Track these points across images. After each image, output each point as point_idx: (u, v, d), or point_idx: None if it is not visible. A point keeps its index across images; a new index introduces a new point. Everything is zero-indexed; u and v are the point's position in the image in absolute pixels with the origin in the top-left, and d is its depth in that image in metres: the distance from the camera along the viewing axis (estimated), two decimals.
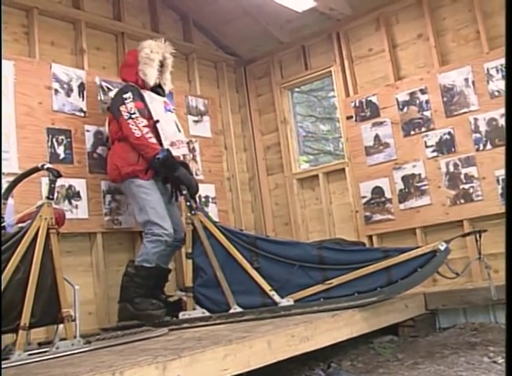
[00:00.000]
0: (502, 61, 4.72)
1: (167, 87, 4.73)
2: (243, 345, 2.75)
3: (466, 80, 4.94)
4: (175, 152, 4.39)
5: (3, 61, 4.17)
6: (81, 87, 4.67)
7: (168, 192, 4.50)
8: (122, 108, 4.31)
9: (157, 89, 4.61)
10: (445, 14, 5.19)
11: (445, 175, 5.02)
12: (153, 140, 4.24)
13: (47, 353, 3.03)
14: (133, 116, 4.27)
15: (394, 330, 4.14)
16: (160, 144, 4.31)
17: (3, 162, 3.96)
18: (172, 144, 4.41)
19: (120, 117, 4.31)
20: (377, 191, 5.36)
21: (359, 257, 3.93)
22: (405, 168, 5.23)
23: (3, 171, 3.89)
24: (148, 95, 4.48)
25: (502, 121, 4.73)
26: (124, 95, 4.36)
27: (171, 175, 4.29)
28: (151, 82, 4.49)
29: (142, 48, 4.52)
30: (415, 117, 5.21)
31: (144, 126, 4.25)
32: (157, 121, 4.38)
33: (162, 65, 4.63)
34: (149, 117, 4.39)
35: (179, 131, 4.59)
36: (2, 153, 3.98)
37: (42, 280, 3.08)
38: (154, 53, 4.50)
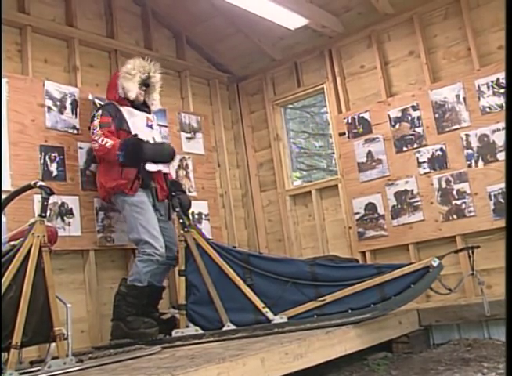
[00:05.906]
0: (493, 78, 4.78)
1: (155, 107, 4.71)
2: (237, 363, 2.74)
3: (458, 96, 4.97)
4: (153, 167, 4.37)
5: None
6: (74, 104, 4.68)
7: (164, 207, 4.51)
8: (91, 125, 4.36)
9: (142, 107, 4.59)
10: (436, 31, 5.24)
11: (437, 191, 5.03)
12: (110, 143, 4.17)
13: (39, 372, 3.01)
14: (94, 131, 4.29)
15: (388, 347, 4.12)
16: None
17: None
18: None
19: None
20: (370, 207, 5.37)
21: (352, 273, 3.93)
22: (398, 184, 5.24)
23: None
24: (127, 111, 4.48)
25: (493, 137, 4.76)
26: (95, 113, 4.41)
27: (144, 160, 4.23)
28: (131, 95, 4.45)
29: (125, 64, 4.54)
30: (407, 133, 5.23)
31: (103, 135, 4.22)
32: (135, 135, 4.32)
33: (148, 85, 4.59)
34: (128, 131, 4.38)
35: None
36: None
37: (34, 299, 3.07)
38: (136, 70, 4.47)
